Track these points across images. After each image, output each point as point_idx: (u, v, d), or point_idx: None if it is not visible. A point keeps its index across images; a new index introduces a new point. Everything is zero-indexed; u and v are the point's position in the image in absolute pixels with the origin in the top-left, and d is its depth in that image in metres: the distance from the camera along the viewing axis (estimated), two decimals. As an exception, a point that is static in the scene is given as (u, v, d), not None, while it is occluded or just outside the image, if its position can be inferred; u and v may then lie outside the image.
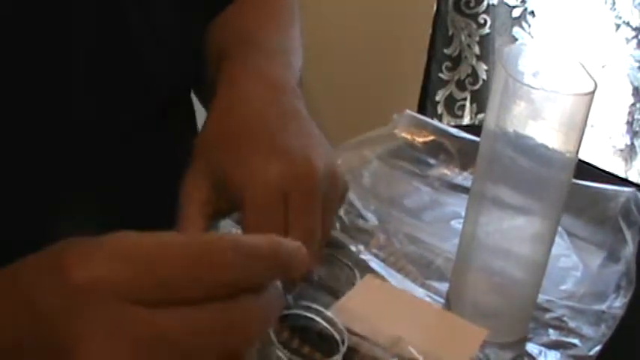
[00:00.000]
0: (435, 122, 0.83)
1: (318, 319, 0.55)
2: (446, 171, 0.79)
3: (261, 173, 0.53)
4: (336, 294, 0.60)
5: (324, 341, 0.56)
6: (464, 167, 0.78)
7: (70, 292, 0.35)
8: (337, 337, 0.55)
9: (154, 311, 0.35)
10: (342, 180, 0.57)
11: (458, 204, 0.73)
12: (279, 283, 0.40)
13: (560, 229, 0.72)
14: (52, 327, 0.36)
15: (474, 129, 0.76)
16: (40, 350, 0.37)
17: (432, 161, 0.79)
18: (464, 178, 0.77)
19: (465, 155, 0.78)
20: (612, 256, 0.70)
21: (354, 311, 0.57)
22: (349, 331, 0.56)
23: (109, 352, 0.35)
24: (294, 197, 0.52)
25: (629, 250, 0.70)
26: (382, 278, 0.63)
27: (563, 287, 0.67)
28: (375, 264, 0.65)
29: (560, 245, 0.71)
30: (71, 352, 0.35)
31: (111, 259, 0.35)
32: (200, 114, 0.74)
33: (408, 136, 0.80)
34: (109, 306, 0.35)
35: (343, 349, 0.54)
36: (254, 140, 0.55)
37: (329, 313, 0.56)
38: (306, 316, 0.55)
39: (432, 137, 0.80)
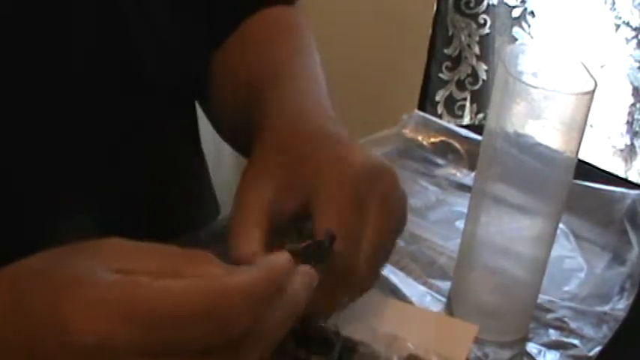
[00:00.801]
0: (444, 123, 0.83)
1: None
2: (454, 171, 0.79)
3: (340, 173, 0.50)
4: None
5: (319, 342, 0.55)
6: (472, 167, 0.78)
7: (75, 350, 0.35)
8: (333, 336, 0.55)
9: None
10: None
11: (464, 204, 0.73)
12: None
13: (566, 230, 0.72)
14: None
15: (478, 129, 0.76)
16: None
17: (440, 161, 0.79)
18: (472, 179, 0.77)
19: (473, 156, 0.78)
20: (617, 258, 0.70)
21: (346, 315, 0.57)
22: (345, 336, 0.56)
23: None
24: (373, 199, 0.50)
25: (635, 252, 0.70)
26: (383, 276, 0.63)
27: (566, 288, 0.67)
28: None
29: (566, 246, 0.71)
30: None
31: (117, 319, 0.35)
32: (202, 114, 0.74)
33: (417, 137, 0.80)
34: None
35: (337, 349, 0.54)
36: (326, 144, 0.52)
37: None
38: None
39: (440, 138, 0.80)
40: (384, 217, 0.49)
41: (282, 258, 0.41)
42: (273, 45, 0.67)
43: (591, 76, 0.54)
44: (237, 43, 0.69)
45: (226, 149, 0.72)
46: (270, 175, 0.50)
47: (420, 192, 0.75)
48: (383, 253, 0.50)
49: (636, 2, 1.32)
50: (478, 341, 0.59)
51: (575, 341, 0.61)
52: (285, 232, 0.50)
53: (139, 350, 0.35)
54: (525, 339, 0.62)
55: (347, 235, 0.47)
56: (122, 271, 0.38)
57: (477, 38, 1.45)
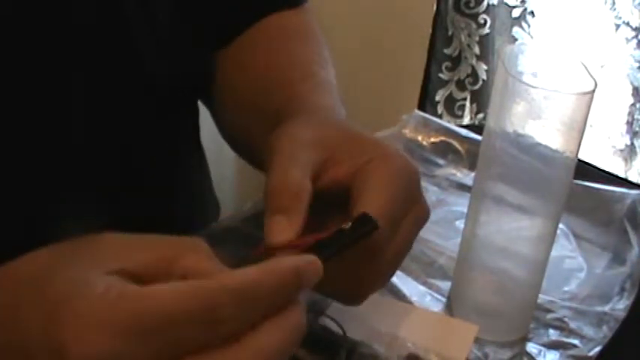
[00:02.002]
0: (444, 123, 0.83)
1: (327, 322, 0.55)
2: (454, 171, 0.79)
3: (392, 157, 0.49)
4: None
5: (322, 345, 0.56)
6: (472, 168, 0.78)
7: None
8: (338, 338, 0.55)
9: None
10: None
11: (464, 204, 0.73)
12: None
13: (566, 230, 0.72)
14: None
15: (478, 129, 0.76)
16: None
17: (440, 161, 0.79)
18: (472, 179, 0.77)
19: (473, 156, 0.78)
20: (617, 258, 0.70)
21: (347, 314, 0.57)
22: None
23: None
24: (412, 193, 0.49)
25: (635, 252, 0.70)
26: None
27: (566, 288, 0.67)
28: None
29: (566, 247, 0.71)
30: None
31: (110, 332, 0.35)
32: (203, 114, 0.74)
33: (417, 137, 0.80)
34: None
35: (343, 351, 0.54)
36: (380, 144, 0.51)
37: (329, 314, 0.56)
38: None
39: (440, 138, 0.80)
40: (420, 211, 0.50)
41: (287, 263, 0.39)
42: (284, 49, 0.67)
43: (591, 76, 0.54)
44: (246, 45, 0.68)
45: (227, 149, 0.72)
46: (314, 148, 0.48)
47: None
48: (409, 245, 0.50)
49: (636, 2, 1.32)
50: (478, 341, 0.59)
51: (575, 341, 0.62)
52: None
53: None
54: (525, 339, 0.62)
55: (391, 220, 0.46)
56: (115, 272, 0.38)
57: (477, 38, 1.45)
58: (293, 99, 0.58)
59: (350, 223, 0.45)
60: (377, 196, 0.47)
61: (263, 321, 0.37)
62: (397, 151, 0.50)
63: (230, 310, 0.36)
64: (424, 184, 0.76)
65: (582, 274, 0.69)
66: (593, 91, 0.53)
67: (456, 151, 0.80)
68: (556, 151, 0.55)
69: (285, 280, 0.38)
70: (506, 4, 1.42)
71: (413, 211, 0.49)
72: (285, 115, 0.54)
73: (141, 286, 0.37)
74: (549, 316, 0.64)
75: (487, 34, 1.44)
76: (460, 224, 0.71)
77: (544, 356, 0.60)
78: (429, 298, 0.64)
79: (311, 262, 0.39)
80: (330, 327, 0.56)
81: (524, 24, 1.43)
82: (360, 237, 0.45)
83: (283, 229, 0.44)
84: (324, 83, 0.61)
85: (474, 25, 1.44)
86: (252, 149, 0.63)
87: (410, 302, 0.63)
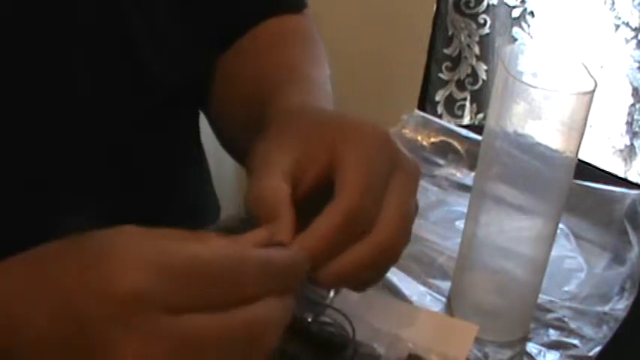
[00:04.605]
0: (444, 123, 0.83)
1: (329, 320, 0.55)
2: (454, 171, 0.79)
3: (369, 136, 0.49)
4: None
5: (326, 343, 0.55)
6: (472, 168, 0.78)
7: (116, 301, 0.37)
8: (343, 336, 0.55)
9: (189, 317, 0.38)
10: None
11: (464, 204, 0.73)
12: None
13: (566, 230, 0.72)
14: (91, 331, 0.38)
15: (478, 129, 0.76)
16: (68, 350, 0.38)
17: (440, 161, 0.79)
18: (472, 179, 0.77)
19: (473, 156, 0.78)
20: (617, 258, 0.70)
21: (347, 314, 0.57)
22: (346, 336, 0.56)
23: (145, 358, 0.37)
24: (398, 173, 0.49)
25: (635, 252, 0.70)
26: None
27: (566, 288, 0.67)
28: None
29: (566, 247, 0.71)
30: (108, 358, 0.37)
31: (154, 272, 0.38)
32: (203, 115, 0.74)
33: (417, 137, 0.80)
34: (149, 316, 0.38)
35: (350, 351, 0.54)
36: (344, 115, 0.52)
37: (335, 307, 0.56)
38: (305, 319, 0.55)
39: (440, 138, 0.80)
40: (403, 175, 0.49)
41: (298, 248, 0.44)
42: (276, 51, 0.67)
43: (591, 76, 0.54)
44: (244, 49, 0.68)
45: (227, 150, 0.72)
46: (287, 150, 0.49)
47: (420, 192, 0.75)
48: (404, 230, 0.49)
49: (636, 2, 1.32)
50: (478, 341, 0.59)
51: (575, 341, 0.62)
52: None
53: (171, 305, 0.38)
54: (525, 339, 0.62)
55: (368, 189, 0.47)
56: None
57: (477, 38, 1.45)
58: (276, 101, 0.58)
59: None
60: (346, 181, 0.47)
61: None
62: (363, 124, 0.50)
63: (255, 274, 0.40)
64: (424, 184, 0.76)
65: (582, 274, 0.69)
66: (593, 91, 0.53)
67: (456, 151, 0.80)
68: (556, 151, 0.55)
69: (298, 263, 0.44)
70: (506, 4, 1.42)
71: (395, 177, 0.48)
72: (268, 119, 0.55)
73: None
74: (549, 316, 0.64)
75: (487, 34, 1.44)
76: (460, 224, 0.71)
77: (544, 356, 0.60)
78: (429, 298, 0.64)
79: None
80: (332, 326, 0.56)
81: (524, 24, 1.43)
82: None
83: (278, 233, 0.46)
84: (311, 83, 0.61)
85: (473, 25, 1.44)
86: (245, 152, 0.63)
87: (410, 302, 0.63)
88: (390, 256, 0.49)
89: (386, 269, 0.51)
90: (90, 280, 0.38)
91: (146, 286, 0.38)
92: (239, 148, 0.65)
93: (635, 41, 1.35)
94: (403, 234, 0.49)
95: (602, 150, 1.44)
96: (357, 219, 0.46)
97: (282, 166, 0.48)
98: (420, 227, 0.70)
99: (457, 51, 1.48)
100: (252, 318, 0.40)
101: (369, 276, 0.50)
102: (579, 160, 0.57)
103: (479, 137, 0.79)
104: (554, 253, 0.61)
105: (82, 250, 0.40)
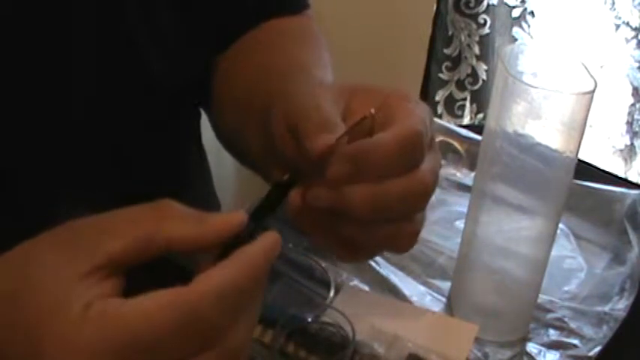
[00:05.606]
0: (444, 122, 0.83)
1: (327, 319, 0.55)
2: (454, 171, 0.79)
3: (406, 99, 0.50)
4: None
5: (326, 343, 0.56)
6: (472, 168, 0.78)
7: None
8: (343, 336, 0.55)
9: None
10: None
11: (464, 204, 0.73)
12: None
13: (566, 230, 0.72)
14: None
15: (478, 129, 0.76)
16: None
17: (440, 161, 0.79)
18: (472, 179, 0.77)
19: (473, 156, 0.78)
20: (617, 258, 0.70)
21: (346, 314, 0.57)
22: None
23: None
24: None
25: (635, 252, 0.70)
26: (383, 276, 0.63)
27: (566, 288, 0.67)
28: (376, 262, 0.65)
29: (566, 247, 0.71)
30: None
31: (90, 356, 0.36)
32: (204, 115, 0.74)
33: None
34: None
35: (349, 351, 0.54)
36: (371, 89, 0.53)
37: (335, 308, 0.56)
38: (303, 318, 0.55)
39: (440, 138, 0.80)
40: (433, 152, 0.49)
41: (255, 250, 0.40)
42: (281, 51, 0.67)
43: (591, 76, 0.54)
44: (245, 49, 0.68)
45: (227, 149, 0.72)
46: (332, 97, 0.50)
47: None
48: (432, 181, 0.49)
49: (636, 2, 1.32)
50: (478, 341, 0.59)
51: (575, 341, 0.62)
52: None
53: None
54: (525, 339, 0.62)
55: (422, 123, 0.47)
56: (89, 273, 0.38)
57: (477, 38, 1.45)
58: (288, 87, 0.58)
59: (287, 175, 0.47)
60: (402, 115, 0.47)
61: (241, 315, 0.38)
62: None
63: (213, 314, 0.37)
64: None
65: (582, 274, 0.69)
66: (593, 91, 0.53)
67: (455, 151, 0.80)
68: (556, 151, 0.55)
69: (260, 269, 0.39)
70: (506, 4, 1.42)
71: (431, 149, 0.49)
72: (284, 98, 0.54)
73: (120, 301, 0.37)
74: (549, 316, 0.64)
75: (487, 34, 1.44)
76: (460, 224, 0.71)
77: (544, 356, 0.60)
78: (429, 298, 0.64)
79: (272, 237, 0.40)
80: (332, 326, 0.56)
81: (524, 24, 1.43)
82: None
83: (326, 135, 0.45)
84: (317, 80, 0.61)
85: (474, 25, 1.44)
86: (245, 150, 0.63)
87: (410, 302, 0.63)
88: (427, 190, 0.49)
89: (421, 202, 0.50)
90: (23, 351, 0.37)
91: None
92: (239, 148, 0.65)
93: (635, 41, 1.35)
94: (436, 179, 0.50)
95: (602, 150, 1.44)
96: (415, 144, 0.46)
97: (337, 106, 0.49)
98: (420, 227, 0.70)
99: (457, 51, 1.48)
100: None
101: (405, 208, 0.49)
102: (579, 160, 0.57)
103: (479, 137, 0.79)
104: (554, 253, 0.61)
105: (22, 311, 0.38)
